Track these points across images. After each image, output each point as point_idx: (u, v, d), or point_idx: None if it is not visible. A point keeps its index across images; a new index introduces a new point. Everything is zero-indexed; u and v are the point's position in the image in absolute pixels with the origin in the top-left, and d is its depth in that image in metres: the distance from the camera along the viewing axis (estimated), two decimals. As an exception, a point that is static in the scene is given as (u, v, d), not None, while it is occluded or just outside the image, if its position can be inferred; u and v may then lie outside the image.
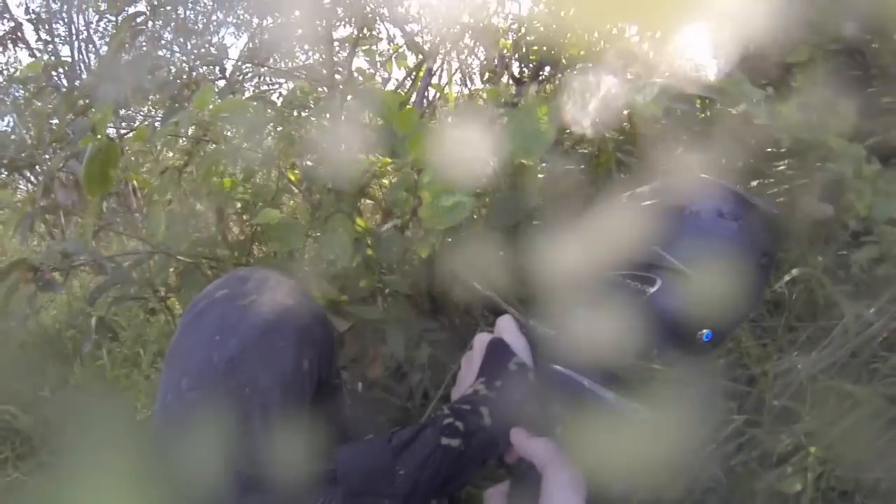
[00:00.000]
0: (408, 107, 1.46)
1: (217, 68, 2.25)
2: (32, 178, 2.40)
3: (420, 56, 2.05)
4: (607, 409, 0.70)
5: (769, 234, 0.77)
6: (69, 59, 2.13)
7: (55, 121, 2.11)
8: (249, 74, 2.28)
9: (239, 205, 1.84)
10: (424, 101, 1.99)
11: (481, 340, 0.86)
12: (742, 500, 1.33)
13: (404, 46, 2.15)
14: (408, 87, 2.12)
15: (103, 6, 2.21)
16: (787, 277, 1.41)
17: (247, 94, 2.25)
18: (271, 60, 2.34)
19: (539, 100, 1.27)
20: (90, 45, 2.08)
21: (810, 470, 1.30)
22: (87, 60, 2.09)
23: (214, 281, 0.96)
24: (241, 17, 2.34)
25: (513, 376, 0.78)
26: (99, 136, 1.40)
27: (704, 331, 0.73)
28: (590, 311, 0.76)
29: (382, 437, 0.80)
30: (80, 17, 2.06)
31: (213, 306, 0.89)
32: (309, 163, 1.67)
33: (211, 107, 1.72)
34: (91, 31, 2.09)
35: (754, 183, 1.56)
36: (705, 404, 1.36)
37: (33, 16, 2.17)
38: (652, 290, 0.74)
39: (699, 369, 1.37)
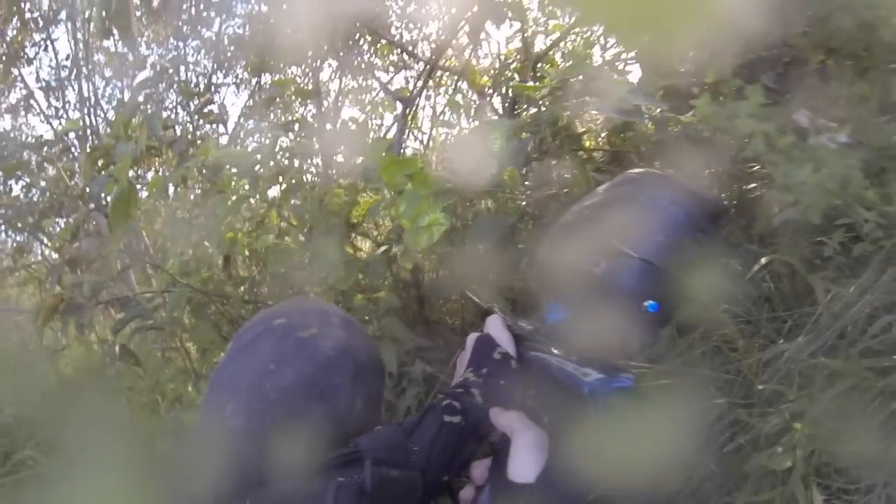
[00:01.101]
0: (386, 145, 1.62)
1: (220, 125, 2.40)
2: (47, 241, 2.50)
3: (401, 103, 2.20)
4: (573, 380, 0.76)
5: (703, 213, 0.86)
6: (81, 124, 2.26)
7: (71, 182, 2.27)
8: (250, 128, 2.44)
9: (247, 251, 1.98)
10: (403, 141, 2.14)
11: (471, 339, 0.93)
12: (736, 482, 1.40)
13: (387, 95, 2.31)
14: (394, 128, 2.27)
15: (109, 73, 2.36)
16: (757, 268, 1.50)
17: (249, 147, 2.39)
18: (270, 115, 2.50)
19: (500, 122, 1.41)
20: (98, 110, 2.23)
21: (799, 447, 1.37)
22: (95, 124, 2.23)
23: (270, 308, 0.97)
24: (240, 76, 2.50)
25: (497, 363, 0.86)
26: (120, 181, 1.54)
27: (648, 302, 0.81)
28: (560, 301, 0.87)
29: (393, 424, 0.86)
30: (89, 83, 2.21)
31: (269, 334, 0.88)
32: (296, 202, 1.82)
33: (214, 154, 1.86)
34: (99, 97, 2.24)
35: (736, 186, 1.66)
36: (697, 396, 1.45)
37: (44, 83, 2.31)
38: (600, 270, 0.84)
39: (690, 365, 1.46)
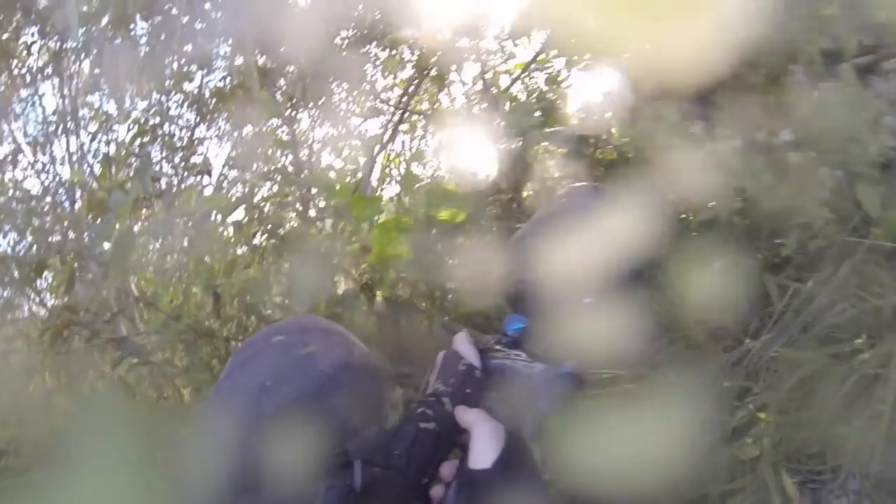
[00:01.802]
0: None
1: (203, 176, 2.53)
2: (36, 298, 2.55)
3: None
4: (522, 375, 0.86)
5: (624, 216, 0.96)
6: (82, 177, 2.36)
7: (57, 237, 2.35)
8: (234, 178, 2.56)
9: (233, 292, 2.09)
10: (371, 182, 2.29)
11: (440, 355, 1.01)
12: (709, 475, 1.49)
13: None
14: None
15: (93, 127, 2.47)
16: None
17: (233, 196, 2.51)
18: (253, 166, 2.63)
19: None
20: (84, 164, 2.31)
21: (766, 436, 1.47)
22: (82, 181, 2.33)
23: (270, 326, 0.98)
24: (222, 129, 2.63)
25: (462, 374, 0.93)
26: (120, 225, 1.64)
27: (588, 299, 0.87)
28: (518, 312, 0.98)
29: (374, 429, 0.91)
30: (75, 138, 2.31)
31: (267, 350, 0.90)
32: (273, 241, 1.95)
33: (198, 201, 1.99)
34: (84, 152, 2.33)
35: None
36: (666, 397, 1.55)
37: (32, 138, 2.39)
38: (537, 277, 0.91)
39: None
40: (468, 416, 0.86)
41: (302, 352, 0.88)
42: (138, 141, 2.45)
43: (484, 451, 0.81)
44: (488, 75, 2.28)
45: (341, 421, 0.85)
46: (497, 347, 0.96)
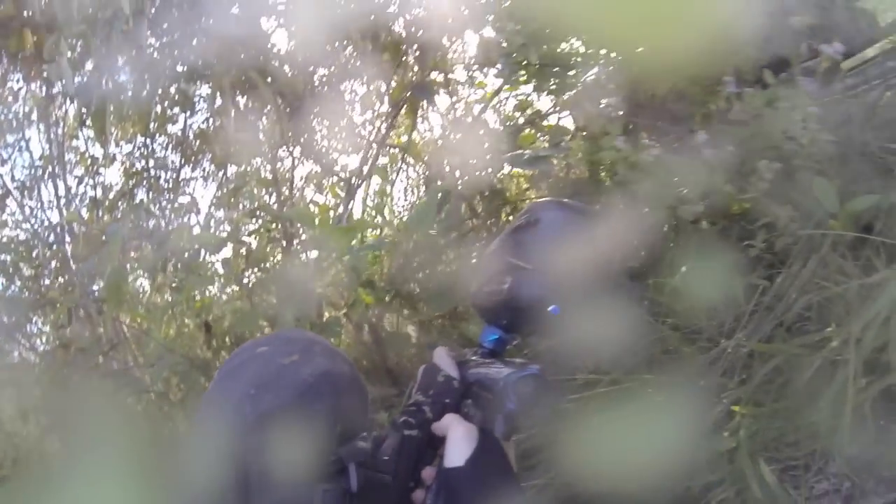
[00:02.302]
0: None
1: (192, 216, 2.59)
2: (26, 343, 2.55)
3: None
4: (493, 380, 0.91)
5: (587, 226, 1.00)
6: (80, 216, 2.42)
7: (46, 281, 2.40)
8: (220, 217, 2.62)
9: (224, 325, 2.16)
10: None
11: (421, 369, 1.07)
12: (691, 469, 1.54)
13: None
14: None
15: (79, 171, 2.52)
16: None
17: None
18: (240, 205, 2.70)
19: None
20: (72, 207, 2.35)
21: (742, 427, 1.53)
22: (66, 224, 2.36)
23: (257, 338, 1.04)
24: (207, 169, 2.69)
25: (440, 384, 0.99)
26: (111, 261, 1.70)
27: (551, 306, 0.94)
28: (492, 324, 1.02)
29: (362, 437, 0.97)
30: (62, 182, 2.36)
31: (252, 360, 0.94)
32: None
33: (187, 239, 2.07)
34: (71, 196, 2.37)
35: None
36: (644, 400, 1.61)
37: (19, 183, 2.43)
38: (504, 286, 0.99)
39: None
40: (446, 422, 0.92)
41: (285, 361, 0.92)
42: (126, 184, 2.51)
43: (457, 451, 0.87)
44: (460, 105, 2.40)
45: (325, 428, 0.88)
46: (474, 359, 1.02)
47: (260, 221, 2.57)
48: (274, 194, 2.69)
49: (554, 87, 1.91)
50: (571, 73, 1.83)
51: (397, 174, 2.68)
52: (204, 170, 2.71)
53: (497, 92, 2.31)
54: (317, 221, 2.15)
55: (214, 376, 0.97)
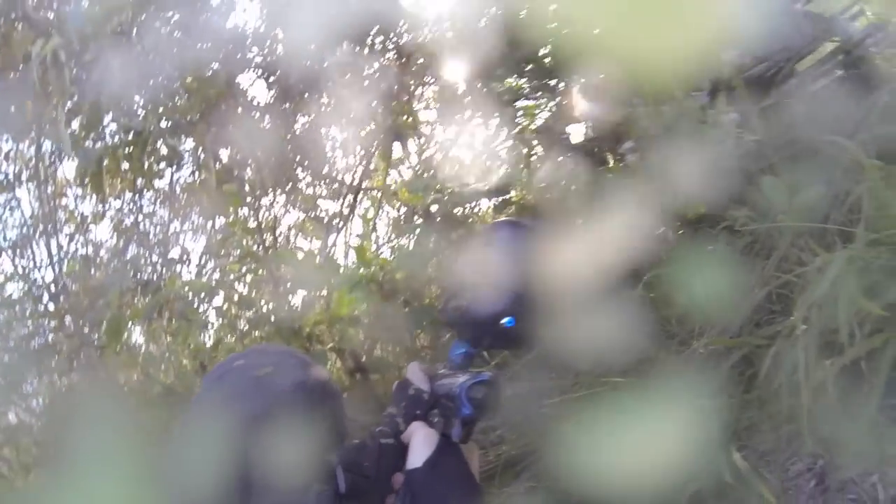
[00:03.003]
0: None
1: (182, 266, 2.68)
2: (22, 404, 2.56)
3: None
4: (452, 388, 0.99)
5: (539, 243, 1.06)
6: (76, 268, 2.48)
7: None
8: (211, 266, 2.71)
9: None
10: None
11: (395, 384, 1.14)
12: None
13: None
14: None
15: (69, 229, 2.59)
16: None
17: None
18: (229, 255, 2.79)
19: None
20: (64, 265, 2.41)
21: (713, 420, 1.58)
22: (62, 281, 2.41)
23: (235, 353, 1.09)
24: (196, 222, 2.78)
25: (411, 397, 1.06)
26: (112, 307, 1.78)
27: (506, 318, 1.00)
28: (459, 339, 1.09)
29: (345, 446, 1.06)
30: (53, 241, 2.42)
31: (229, 374, 1.00)
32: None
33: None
34: (63, 254, 2.43)
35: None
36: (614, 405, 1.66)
37: (11, 242, 2.48)
38: (463, 302, 1.07)
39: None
40: (411, 429, 1.01)
41: (258, 373, 0.97)
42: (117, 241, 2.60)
43: (417, 454, 0.96)
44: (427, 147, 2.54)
45: (299, 435, 0.93)
46: (443, 372, 1.08)
47: (247, 268, 2.65)
48: (260, 242, 2.77)
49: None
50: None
51: (377, 214, 2.78)
52: (193, 222, 2.80)
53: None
54: (299, 262, 2.30)
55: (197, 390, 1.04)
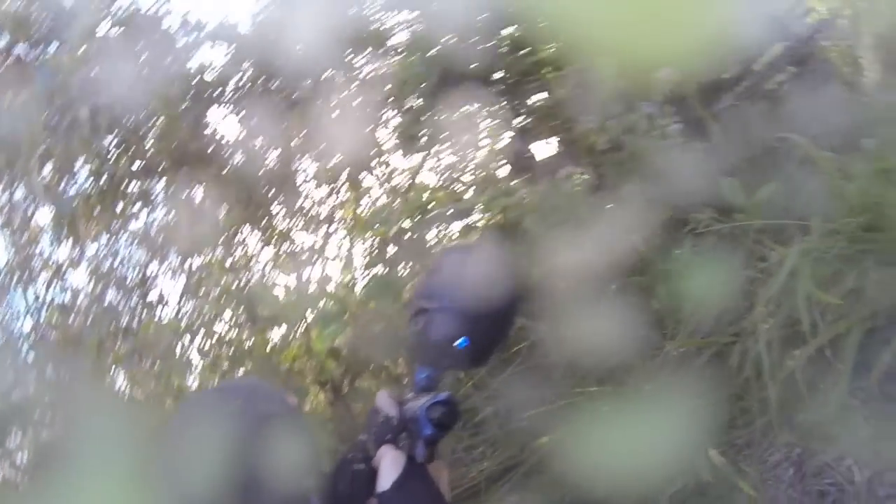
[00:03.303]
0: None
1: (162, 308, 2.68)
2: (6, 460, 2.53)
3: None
4: (415, 410, 1.01)
5: (490, 263, 1.11)
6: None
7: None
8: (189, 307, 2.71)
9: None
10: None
11: (369, 412, 1.17)
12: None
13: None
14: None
15: (46, 276, 2.59)
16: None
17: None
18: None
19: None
20: (42, 313, 2.39)
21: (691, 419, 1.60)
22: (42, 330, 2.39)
23: (209, 388, 1.17)
24: (172, 264, 2.78)
25: (381, 424, 1.07)
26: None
27: (459, 339, 1.03)
28: (422, 364, 1.10)
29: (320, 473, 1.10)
30: (30, 289, 2.41)
31: (200, 406, 1.06)
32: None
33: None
34: (40, 302, 2.41)
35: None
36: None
37: None
38: (419, 327, 1.09)
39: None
40: (380, 453, 1.03)
41: (230, 407, 1.00)
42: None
43: (386, 476, 0.99)
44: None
45: (265, 465, 0.95)
46: (410, 396, 1.10)
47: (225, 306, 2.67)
48: (236, 279, 2.78)
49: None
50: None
51: (351, 245, 2.81)
52: (170, 263, 2.80)
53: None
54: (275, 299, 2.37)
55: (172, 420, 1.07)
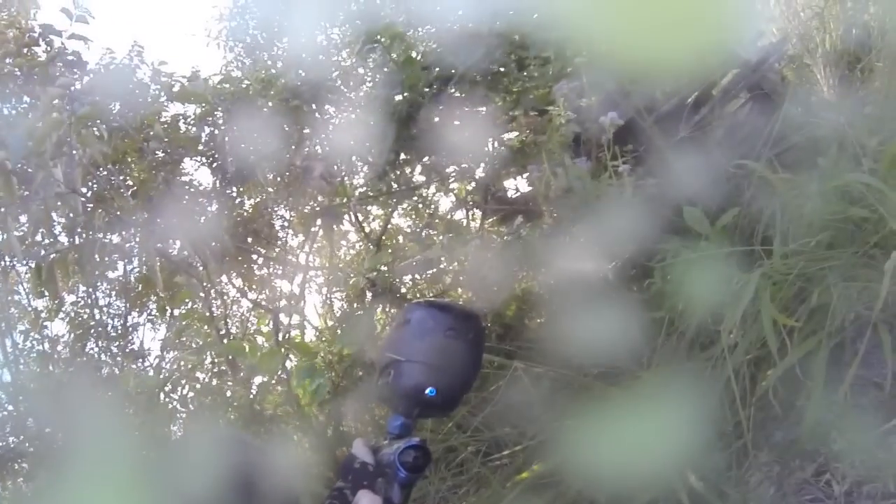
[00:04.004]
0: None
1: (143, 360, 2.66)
2: None
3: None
4: (389, 456, 1.04)
5: (453, 315, 1.16)
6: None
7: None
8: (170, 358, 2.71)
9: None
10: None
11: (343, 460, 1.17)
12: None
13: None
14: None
15: (23, 327, 2.56)
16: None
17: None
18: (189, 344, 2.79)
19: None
20: (19, 366, 2.35)
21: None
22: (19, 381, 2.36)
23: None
24: (153, 313, 2.77)
25: (356, 470, 1.09)
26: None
27: (428, 390, 1.08)
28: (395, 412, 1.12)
29: None
30: (8, 340, 2.36)
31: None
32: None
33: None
34: (18, 352, 2.38)
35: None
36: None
37: None
38: (389, 379, 1.12)
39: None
40: (356, 498, 1.04)
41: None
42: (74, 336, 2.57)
43: None
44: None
45: None
46: (385, 443, 1.12)
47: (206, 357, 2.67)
48: (215, 329, 2.76)
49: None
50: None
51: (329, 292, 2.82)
52: (150, 312, 2.78)
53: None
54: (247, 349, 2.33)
55: None
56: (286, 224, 2.75)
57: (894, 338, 1.50)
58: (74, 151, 2.18)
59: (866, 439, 1.44)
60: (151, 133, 2.39)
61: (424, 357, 1.10)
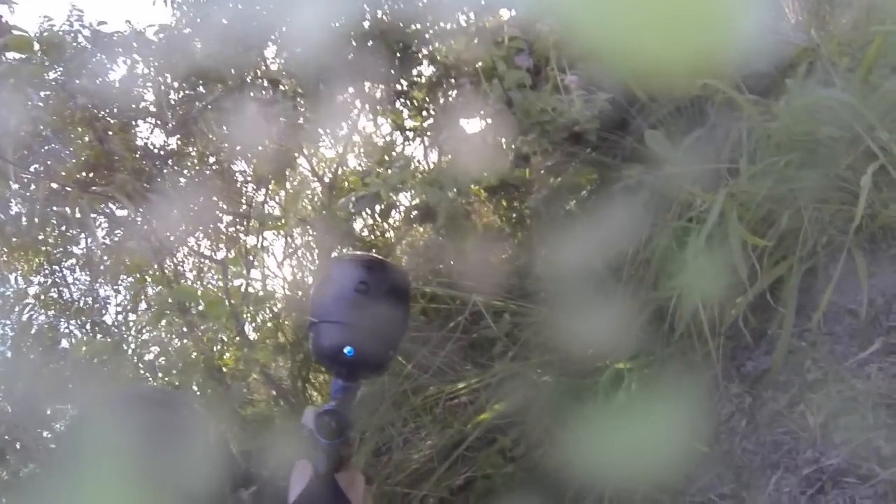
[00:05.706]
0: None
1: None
2: None
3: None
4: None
5: (365, 268, 1.06)
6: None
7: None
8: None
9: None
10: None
11: None
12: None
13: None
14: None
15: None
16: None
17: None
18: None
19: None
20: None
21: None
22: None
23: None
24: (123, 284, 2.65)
25: (305, 440, 1.02)
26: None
27: (345, 349, 1.00)
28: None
29: None
30: None
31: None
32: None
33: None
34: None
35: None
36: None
37: None
38: (310, 342, 1.06)
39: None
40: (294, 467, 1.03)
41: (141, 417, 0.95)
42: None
43: (294, 490, 1.00)
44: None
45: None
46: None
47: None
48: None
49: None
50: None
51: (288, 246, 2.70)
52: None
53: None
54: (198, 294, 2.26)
55: None
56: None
57: (869, 262, 1.38)
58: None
59: (842, 369, 1.32)
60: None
61: (339, 316, 1.03)
